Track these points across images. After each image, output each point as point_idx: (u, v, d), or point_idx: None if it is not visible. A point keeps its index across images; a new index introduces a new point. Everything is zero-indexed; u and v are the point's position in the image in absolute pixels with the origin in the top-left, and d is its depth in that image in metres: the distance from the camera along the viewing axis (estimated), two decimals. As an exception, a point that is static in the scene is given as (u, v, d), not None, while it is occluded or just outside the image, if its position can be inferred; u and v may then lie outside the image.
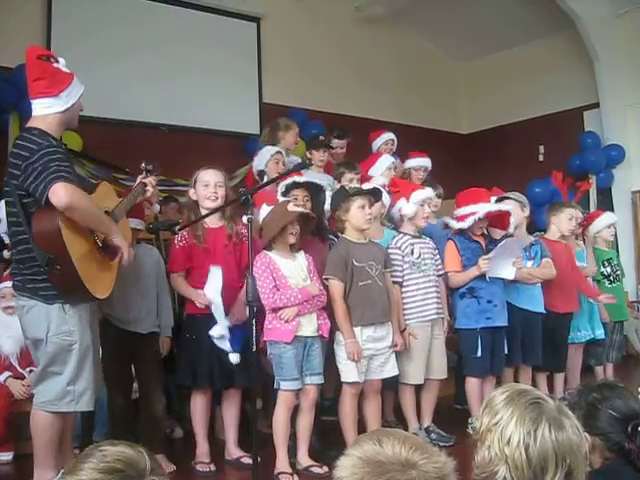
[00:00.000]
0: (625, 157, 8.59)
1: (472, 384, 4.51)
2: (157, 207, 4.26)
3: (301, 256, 3.92)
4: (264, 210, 3.88)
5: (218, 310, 3.68)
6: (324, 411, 4.30)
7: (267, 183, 4.28)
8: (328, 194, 4.33)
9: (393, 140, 6.00)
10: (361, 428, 3.93)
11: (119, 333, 3.86)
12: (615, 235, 6.48)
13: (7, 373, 4.17)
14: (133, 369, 4.00)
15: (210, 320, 3.72)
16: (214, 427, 4.39)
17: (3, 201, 3.20)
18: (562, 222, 5.20)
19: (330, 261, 3.97)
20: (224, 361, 3.76)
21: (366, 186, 4.27)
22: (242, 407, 4.08)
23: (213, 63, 7.96)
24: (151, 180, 3.61)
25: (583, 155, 8.58)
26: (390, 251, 4.31)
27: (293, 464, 3.75)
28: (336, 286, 3.90)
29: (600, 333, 5.46)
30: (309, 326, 3.78)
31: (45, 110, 3.06)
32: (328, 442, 4.04)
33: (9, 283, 3.68)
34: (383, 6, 9.35)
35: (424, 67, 10.04)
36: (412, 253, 4.36)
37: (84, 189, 3.04)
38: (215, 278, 3.66)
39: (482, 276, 4.44)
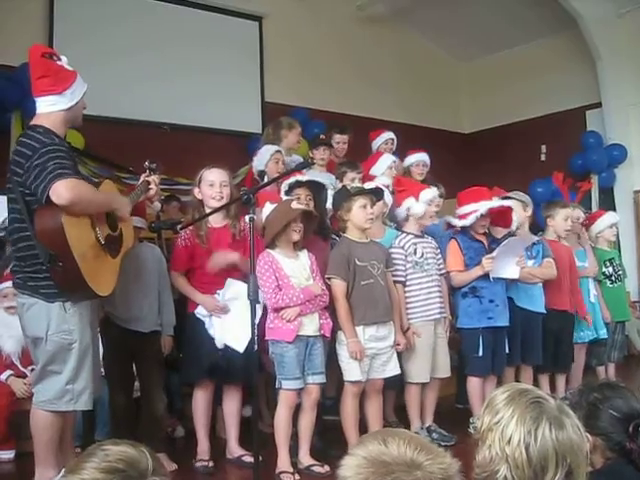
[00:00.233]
0: (627, 157, 8.57)
1: (473, 384, 4.51)
2: (158, 205, 4.26)
3: (304, 255, 3.92)
4: (267, 208, 3.89)
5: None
6: (326, 410, 4.30)
7: (269, 182, 4.28)
8: (330, 193, 4.33)
9: (393, 139, 6.00)
10: (362, 428, 3.94)
11: (120, 332, 3.86)
12: (617, 235, 6.48)
13: (9, 372, 4.18)
14: (134, 368, 4.00)
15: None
16: (215, 426, 4.39)
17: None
18: (558, 224, 5.18)
19: (332, 260, 3.97)
20: (226, 357, 3.78)
21: (368, 185, 4.27)
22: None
23: (215, 62, 7.96)
24: (154, 179, 3.61)
25: (585, 155, 8.57)
26: (393, 250, 4.31)
27: (294, 463, 3.76)
28: (338, 285, 3.90)
29: (603, 333, 5.45)
30: (311, 325, 3.78)
31: (49, 108, 3.06)
32: (329, 441, 4.04)
33: (11, 283, 3.67)
34: (385, 5, 9.34)
35: (426, 66, 10.03)
36: (415, 253, 4.36)
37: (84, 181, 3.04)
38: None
39: (484, 276, 4.44)
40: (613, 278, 5.85)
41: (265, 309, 3.80)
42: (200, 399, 3.96)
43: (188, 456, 3.96)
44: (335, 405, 4.19)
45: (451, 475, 1.24)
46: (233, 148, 7.58)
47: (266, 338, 3.77)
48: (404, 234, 4.43)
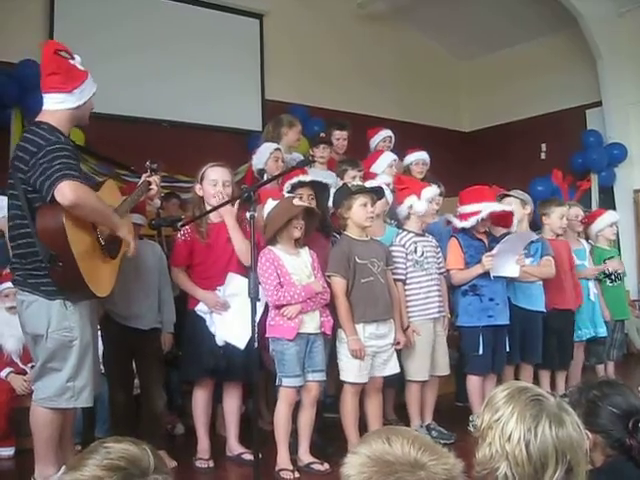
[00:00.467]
0: (627, 156, 8.58)
1: (473, 382, 4.52)
2: (158, 202, 4.26)
3: (305, 252, 3.92)
4: (269, 204, 3.89)
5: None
6: (325, 408, 4.30)
7: (270, 180, 4.28)
8: (331, 191, 4.33)
9: (391, 137, 5.98)
10: (362, 426, 3.94)
11: (120, 329, 3.86)
12: (617, 234, 6.47)
13: (9, 369, 4.18)
14: (134, 365, 4.00)
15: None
16: (215, 424, 4.39)
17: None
18: (553, 222, 5.17)
19: (332, 258, 3.97)
20: (227, 355, 3.78)
21: (368, 184, 4.27)
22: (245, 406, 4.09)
23: (215, 59, 7.96)
24: (155, 179, 3.61)
25: (585, 153, 8.57)
26: (394, 249, 4.31)
27: (294, 461, 3.76)
28: (338, 283, 3.90)
29: (602, 331, 5.44)
30: (312, 323, 3.78)
31: (56, 105, 3.06)
32: (329, 439, 4.05)
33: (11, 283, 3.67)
34: (385, 3, 9.33)
35: (426, 65, 10.03)
36: (415, 251, 4.35)
37: (90, 187, 3.04)
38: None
39: (485, 274, 4.43)
40: (613, 277, 5.85)
41: (266, 306, 3.80)
42: (200, 397, 3.95)
43: (188, 453, 3.97)
44: (335, 403, 4.20)
45: (455, 476, 1.23)
46: (233, 145, 7.59)
47: (267, 335, 3.77)
48: (405, 232, 4.43)
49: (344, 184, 4.39)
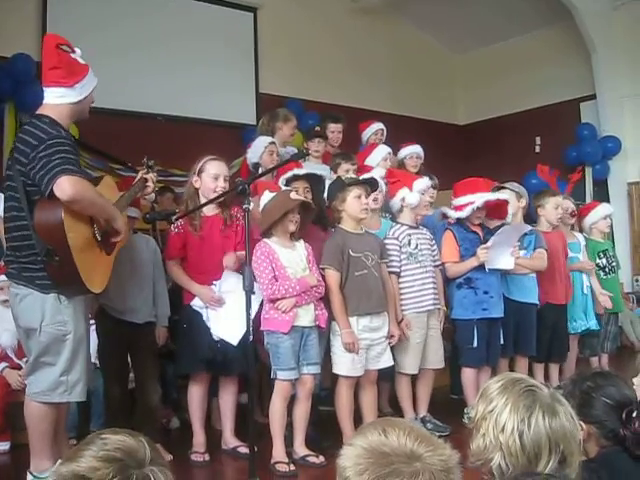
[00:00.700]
0: (621, 148, 8.61)
1: (468, 374, 4.53)
2: (152, 195, 4.25)
3: (301, 245, 3.92)
4: (266, 196, 3.88)
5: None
6: (320, 401, 4.31)
7: (264, 173, 4.27)
8: (327, 183, 4.33)
9: (383, 130, 5.97)
10: (357, 418, 3.95)
11: (115, 323, 3.86)
12: (611, 226, 6.49)
13: (4, 364, 4.17)
14: (129, 359, 4.00)
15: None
16: (211, 417, 4.40)
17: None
18: (549, 212, 5.18)
19: (326, 251, 3.98)
20: (222, 350, 3.78)
21: (363, 177, 4.27)
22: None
23: (209, 53, 7.94)
24: (152, 176, 3.62)
25: (579, 146, 8.59)
26: (387, 241, 4.31)
27: (290, 453, 3.76)
28: (332, 276, 3.91)
29: (593, 324, 5.46)
30: (306, 316, 3.79)
31: (57, 99, 3.05)
32: (324, 432, 4.05)
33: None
34: (379, -4, 9.33)
35: (420, 58, 10.02)
36: (409, 244, 4.36)
37: (89, 182, 3.03)
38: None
39: (479, 267, 4.44)
40: (607, 270, 5.87)
41: (263, 302, 3.81)
42: (195, 392, 3.95)
43: (183, 447, 3.97)
44: (330, 396, 4.20)
45: (451, 467, 1.23)
46: (228, 139, 7.56)
47: (261, 328, 3.78)
48: (398, 225, 4.43)
49: (338, 177, 4.39)
